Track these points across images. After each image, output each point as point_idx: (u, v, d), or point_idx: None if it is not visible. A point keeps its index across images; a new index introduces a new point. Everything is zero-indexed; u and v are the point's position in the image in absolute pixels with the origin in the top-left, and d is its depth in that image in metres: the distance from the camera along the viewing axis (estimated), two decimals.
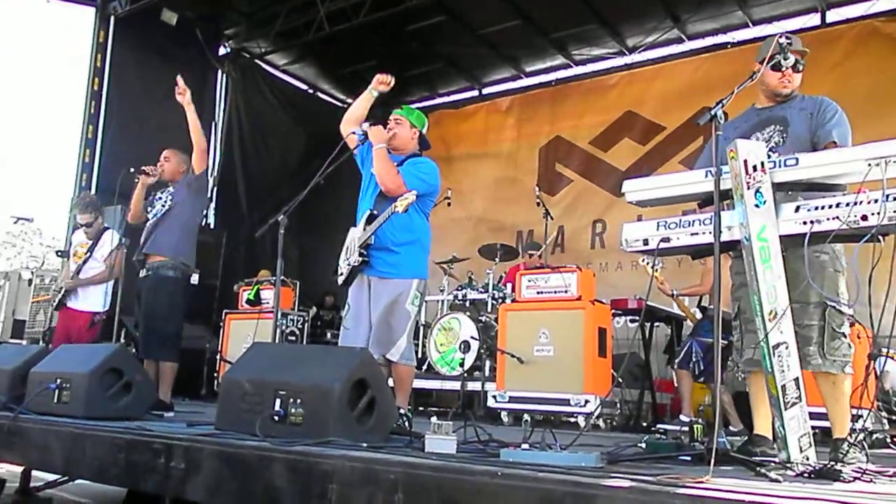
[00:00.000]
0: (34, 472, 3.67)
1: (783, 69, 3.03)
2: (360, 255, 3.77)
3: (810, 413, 2.50)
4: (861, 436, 2.76)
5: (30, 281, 10.65)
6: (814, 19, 8.70)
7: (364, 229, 3.80)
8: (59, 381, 3.57)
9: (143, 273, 4.82)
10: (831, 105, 3.02)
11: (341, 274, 3.94)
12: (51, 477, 3.65)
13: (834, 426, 2.86)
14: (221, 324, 7.53)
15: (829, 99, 3.07)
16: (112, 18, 8.75)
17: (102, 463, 2.91)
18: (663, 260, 7.18)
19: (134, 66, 8.89)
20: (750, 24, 9.00)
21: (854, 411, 2.87)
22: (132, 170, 4.91)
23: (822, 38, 8.38)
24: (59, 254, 8.47)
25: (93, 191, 8.34)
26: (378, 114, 4.09)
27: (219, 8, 9.69)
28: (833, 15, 8.62)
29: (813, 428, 2.51)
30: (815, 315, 2.81)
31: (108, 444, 2.90)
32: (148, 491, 2.74)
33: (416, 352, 4.09)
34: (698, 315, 6.05)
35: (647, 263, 6.08)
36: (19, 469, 3.65)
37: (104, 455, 2.91)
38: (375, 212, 3.79)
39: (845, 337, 2.84)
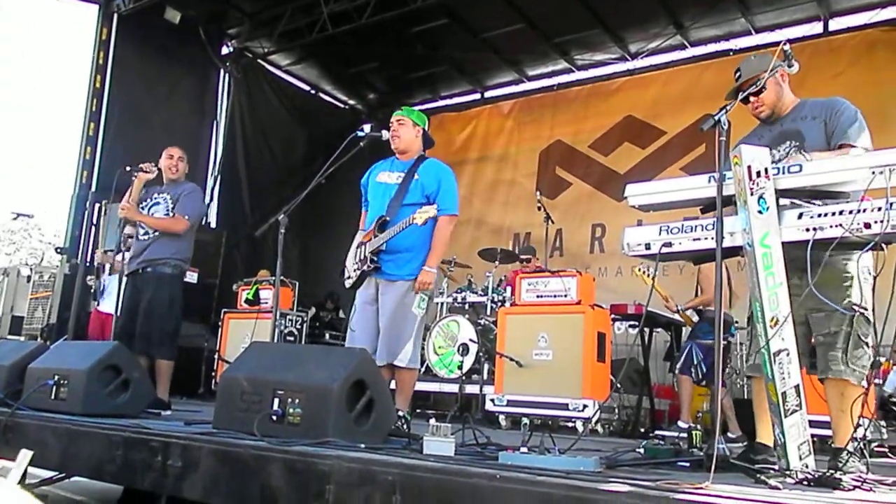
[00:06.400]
0: (30, 469, 3.64)
1: (749, 100, 3.02)
2: (372, 261, 3.78)
3: (809, 421, 2.49)
4: (861, 444, 2.74)
5: (28, 277, 10.63)
6: (816, 28, 8.70)
7: (376, 234, 3.80)
8: (56, 377, 3.56)
9: (133, 268, 4.78)
10: (842, 106, 2.95)
11: (349, 277, 3.94)
12: (47, 474, 3.63)
13: (835, 435, 2.81)
14: (220, 323, 7.51)
15: (841, 98, 2.99)
16: (115, 16, 8.75)
17: (99, 460, 2.90)
18: (665, 268, 7.16)
19: (136, 64, 8.90)
20: (752, 32, 9.01)
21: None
22: (128, 168, 4.86)
23: (824, 47, 8.40)
24: (59, 250, 8.48)
25: (93, 188, 8.38)
26: (379, 117, 4.07)
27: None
28: (835, 24, 8.63)
29: (812, 436, 2.50)
30: (843, 321, 2.72)
31: (105, 441, 2.89)
32: (144, 489, 2.73)
33: None
34: (695, 318, 5.99)
35: (643, 273, 6.02)
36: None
37: (101, 452, 2.89)
38: (388, 217, 3.79)
39: (868, 347, 2.74)
